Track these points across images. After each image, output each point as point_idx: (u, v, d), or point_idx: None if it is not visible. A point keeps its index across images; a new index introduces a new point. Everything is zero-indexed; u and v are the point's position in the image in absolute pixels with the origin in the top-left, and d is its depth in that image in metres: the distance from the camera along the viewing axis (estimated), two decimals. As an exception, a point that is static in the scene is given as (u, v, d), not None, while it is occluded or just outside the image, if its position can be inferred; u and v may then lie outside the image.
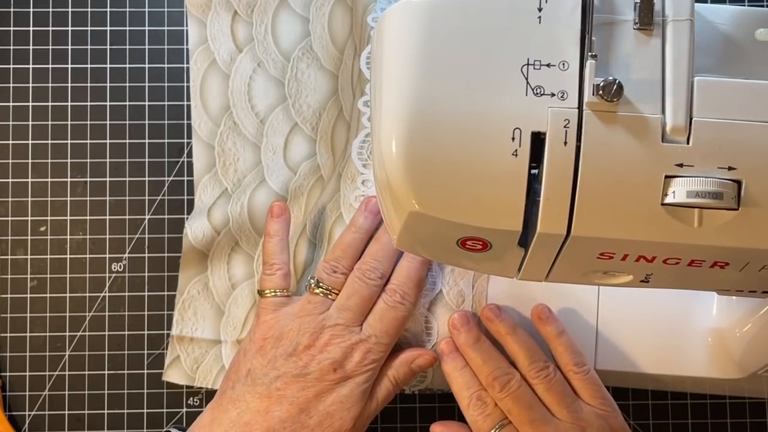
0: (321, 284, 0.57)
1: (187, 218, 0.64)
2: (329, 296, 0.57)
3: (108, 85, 0.65)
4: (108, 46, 0.66)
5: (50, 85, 0.65)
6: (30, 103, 0.65)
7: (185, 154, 0.65)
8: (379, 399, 0.57)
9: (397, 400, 0.64)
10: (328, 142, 0.63)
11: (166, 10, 0.66)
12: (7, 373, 0.63)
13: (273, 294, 0.58)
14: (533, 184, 0.39)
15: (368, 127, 0.59)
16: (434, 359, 0.58)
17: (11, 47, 0.65)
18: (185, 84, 0.65)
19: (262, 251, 0.60)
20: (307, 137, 0.63)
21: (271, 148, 0.63)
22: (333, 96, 0.63)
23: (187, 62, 0.65)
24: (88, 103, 0.65)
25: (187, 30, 0.65)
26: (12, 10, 0.66)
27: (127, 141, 0.65)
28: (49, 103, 0.65)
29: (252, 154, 0.64)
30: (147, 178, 0.65)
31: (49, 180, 0.65)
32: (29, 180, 0.65)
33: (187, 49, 0.65)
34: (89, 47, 0.65)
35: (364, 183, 0.60)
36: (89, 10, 0.66)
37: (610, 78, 0.38)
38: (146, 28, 0.66)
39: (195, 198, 0.63)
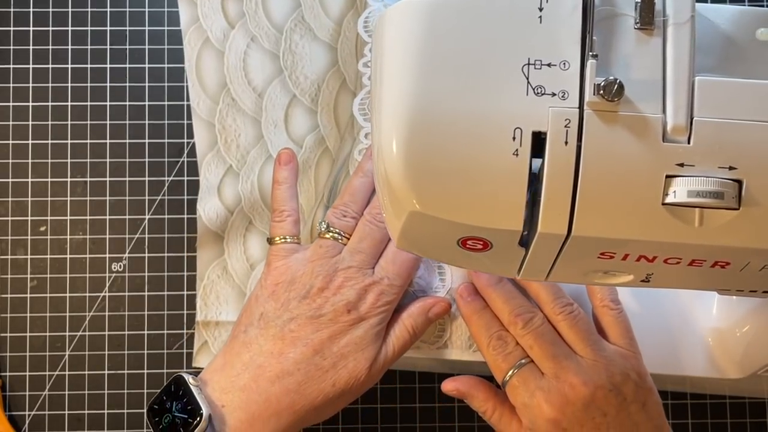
0: (331, 228, 0.57)
1: (187, 218, 0.64)
2: (340, 240, 0.57)
3: (108, 85, 0.65)
4: (108, 46, 0.66)
5: (50, 85, 0.65)
6: (30, 103, 0.65)
7: (185, 154, 0.65)
8: (395, 347, 0.57)
9: (397, 400, 0.64)
10: (331, 113, 0.63)
11: (166, 10, 0.66)
12: (7, 373, 0.63)
13: (283, 240, 0.58)
14: (534, 183, 0.39)
15: (368, 86, 0.60)
16: (449, 306, 0.59)
17: (11, 47, 0.65)
18: (185, 84, 0.65)
19: (271, 199, 0.60)
20: (307, 109, 0.64)
21: (272, 121, 0.64)
22: (332, 67, 0.64)
23: (187, 62, 0.65)
24: (88, 103, 0.65)
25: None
26: (12, 10, 0.66)
27: (127, 141, 0.65)
28: (49, 103, 0.65)
29: (253, 129, 0.64)
30: (147, 178, 0.65)
31: (49, 180, 0.65)
32: (29, 180, 0.65)
33: (187, 48, 0.65)
34: (89, 47, 0.65)
35: (366, 136, 0.60)
36: (89, 10, 0.66)
37: (611, 78, 0.38)
38: (146, 28, 0.66)
39: (200, 177, 0.63)
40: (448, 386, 0.58)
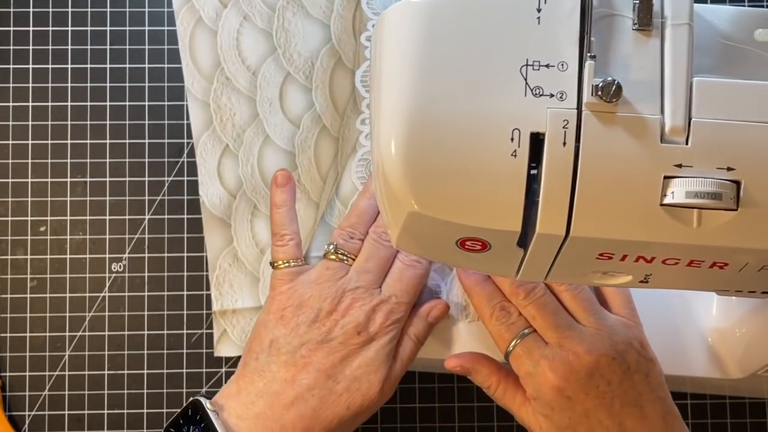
0: (339, 250, 0.58)
1: (187, 218, 0.64)
2: (347, 262, 0.58)
3: (108, 85, 0.65)
4: (108, 46, 0.66)
5: (50, 85, 0.65)
6: (30, 103, 0.65)
7: (185, 154, 0.65)
8: (403, 359, 0.57)
9: (397, 400, 0.64)
10: (326, 91, 0.64)
11: (166, 10, 0.66)
12: (7, 373, 0.63)
13: (287, 264, 0.58)
14: (532, 184, 0.39)
15: (370, 59, 0.60)
16: (447, 308, 0.59)
17: (11, 47, 0.65)
18: (185, 84, 0.65)
19: (270, 222, 0.60)
20: (301, 86, 0.64)
21: (267, 99, 0.64)
22: (326, 44, 0.64)
23: (187, 62, 0.65)
24: (88, 103, 0.65)
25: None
26: (12, 10, 0.66)
27: (127, 141, 0.65)
28: (49, 103, 0.65)
29: (248, 108, 0.64)
30: (147, 178, 0.65)
31: (49, 180, 0.65)
32: (29, 180, 0.65)
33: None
34: (89, 47, 0.66)
35: (368, 107, 0.61)
36: (89, 10, 0.66)
37: (609, 78, 0.38)
38: (146, 28, 0.66)
39: (197, 159, 0.63)
40: (452, 363, 0.58)
